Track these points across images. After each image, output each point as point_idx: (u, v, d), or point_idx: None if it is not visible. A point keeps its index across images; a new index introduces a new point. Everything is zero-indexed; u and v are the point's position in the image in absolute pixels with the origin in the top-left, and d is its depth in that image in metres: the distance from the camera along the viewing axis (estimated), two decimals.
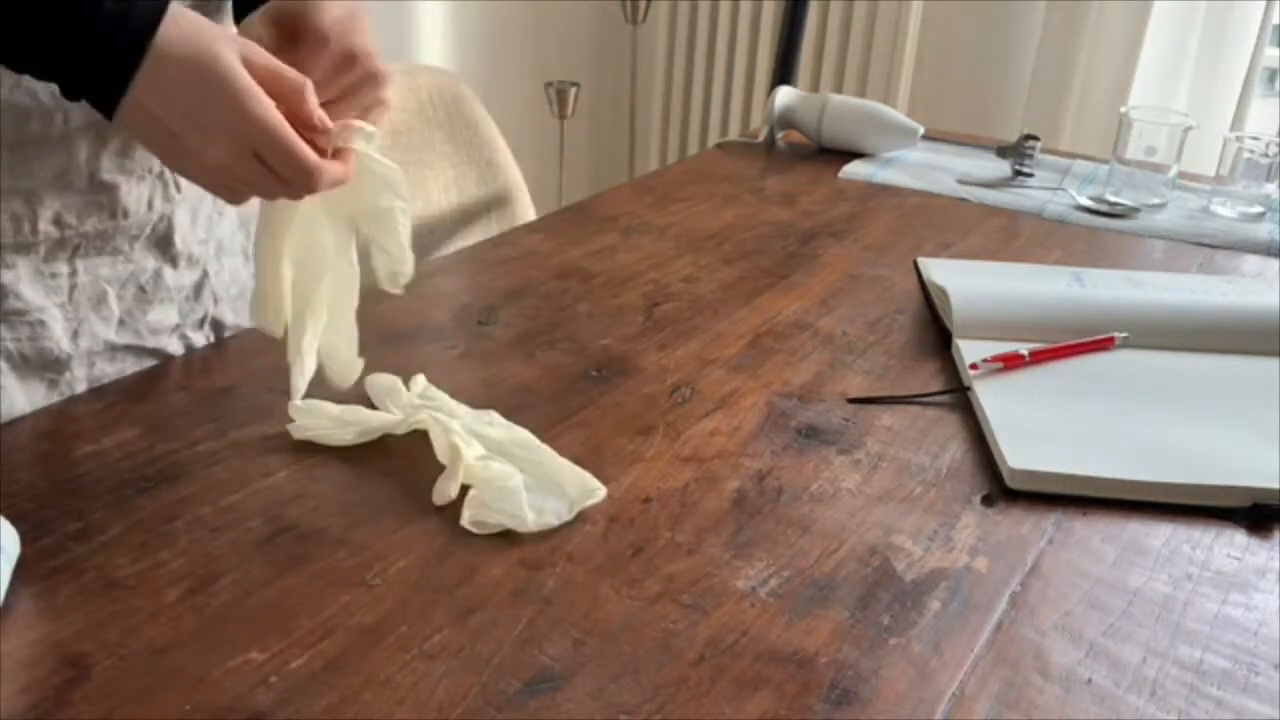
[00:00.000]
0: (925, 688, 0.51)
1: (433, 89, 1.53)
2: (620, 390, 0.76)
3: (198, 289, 0.83)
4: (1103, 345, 0.84)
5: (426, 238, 1.47)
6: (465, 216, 1.56)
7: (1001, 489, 0.67)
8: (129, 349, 0.79)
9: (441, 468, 0.64)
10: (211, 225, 0.84)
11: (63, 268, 0.74)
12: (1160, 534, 0.64)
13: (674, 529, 0.61)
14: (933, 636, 0.54)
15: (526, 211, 1.62)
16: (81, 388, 0.76)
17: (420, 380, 0.73)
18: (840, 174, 1.28)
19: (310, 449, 0.66)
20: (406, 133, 1.46)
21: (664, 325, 0.87)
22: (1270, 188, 1.20)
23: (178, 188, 0.78)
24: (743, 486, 0.66)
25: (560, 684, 0.50)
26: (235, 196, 0.65)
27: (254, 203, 0.74)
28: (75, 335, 0.75)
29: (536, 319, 0.87)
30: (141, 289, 0.79)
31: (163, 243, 0.79)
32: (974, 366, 0.79)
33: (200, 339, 0.84)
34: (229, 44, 0.59)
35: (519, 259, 0.99)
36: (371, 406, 0.71)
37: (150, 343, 0.80)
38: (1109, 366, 0.81)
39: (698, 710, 0.49)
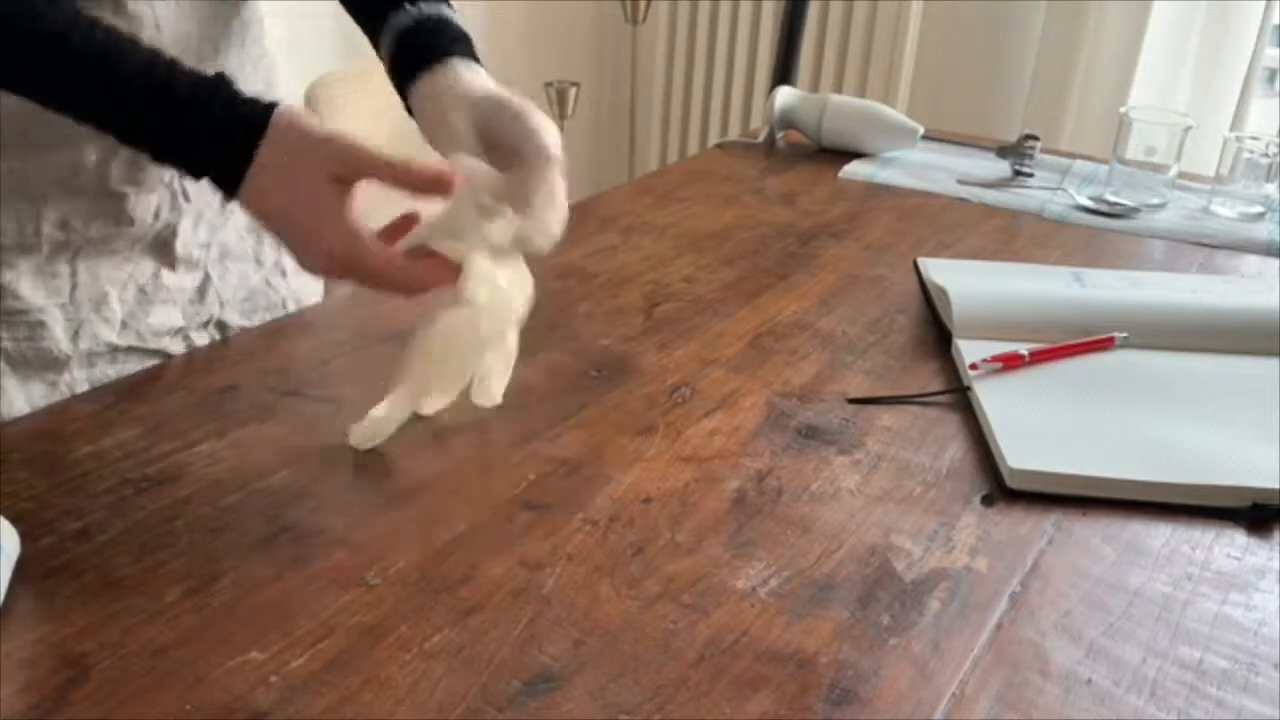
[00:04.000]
0: (925, 688, 0.51)
1: None
2: (620, 390, 0.76)
3: (201, 292, 0.83)
4: (1103, 345, 0.83)
5: None
6: None
7: (1001, 489, 0.67)
8: (131, 350, 0.79)
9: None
10: (214, 230, 0.83)
11: (63, 268, 0.74)
12: (1160, 534, 0.64)
13: (674, 529, 0.61)
14: (933, 636, 0.54)
15: None
16: (82, 389, 0.76)
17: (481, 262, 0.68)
18: (840, 174, 1.28)
19: (310, 449, 0.66)
20: (407, 133, 1.46)
21: (664, 325, 0.87)
22: (1270, 188, 1.19)
23: (186, 198, 0.78)
24: (743, 486, 0.66)
25: (560, 684, 0.50)
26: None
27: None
28: (75, 336, 0.75)
29: (536, 319, 0.86)
30: (141, 290, 0.79)
31: (163, 248, 0.79)
32: (974, 366, 0.79)
33: (204, 341, 0.84)
34: (323, 164, 0.60)
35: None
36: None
37: (153, 344, 0.80)
38: (1109, 366, 0.81)
39: (698, 710, 0.49)
